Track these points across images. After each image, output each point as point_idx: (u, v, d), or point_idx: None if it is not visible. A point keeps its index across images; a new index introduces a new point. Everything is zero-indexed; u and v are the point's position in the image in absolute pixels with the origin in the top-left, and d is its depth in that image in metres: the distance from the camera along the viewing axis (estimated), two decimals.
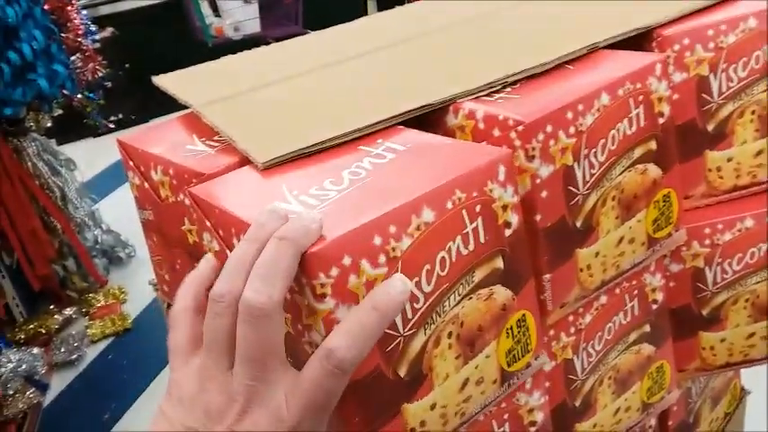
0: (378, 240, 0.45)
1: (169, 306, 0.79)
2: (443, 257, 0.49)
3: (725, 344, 0.77)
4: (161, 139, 0.68)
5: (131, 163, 0.69)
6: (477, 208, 0.50)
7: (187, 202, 0.62)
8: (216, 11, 3.49)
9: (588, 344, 0.67)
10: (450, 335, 0.50)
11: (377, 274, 0.46)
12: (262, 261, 0.43)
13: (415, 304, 0.48)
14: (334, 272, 0.44)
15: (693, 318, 0.76)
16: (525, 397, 0.60)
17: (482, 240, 0.51)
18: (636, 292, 0.70)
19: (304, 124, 0.63)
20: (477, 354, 0.53)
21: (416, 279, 0.47)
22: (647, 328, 0.72)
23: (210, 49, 3.57)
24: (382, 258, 0.46)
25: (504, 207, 0.52)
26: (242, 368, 0.43)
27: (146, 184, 0.67)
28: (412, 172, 0.51)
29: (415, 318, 0.48)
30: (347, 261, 0.44)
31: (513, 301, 0.54)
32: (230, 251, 0.52)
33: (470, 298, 0.51)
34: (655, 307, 0.72)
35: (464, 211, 0.49)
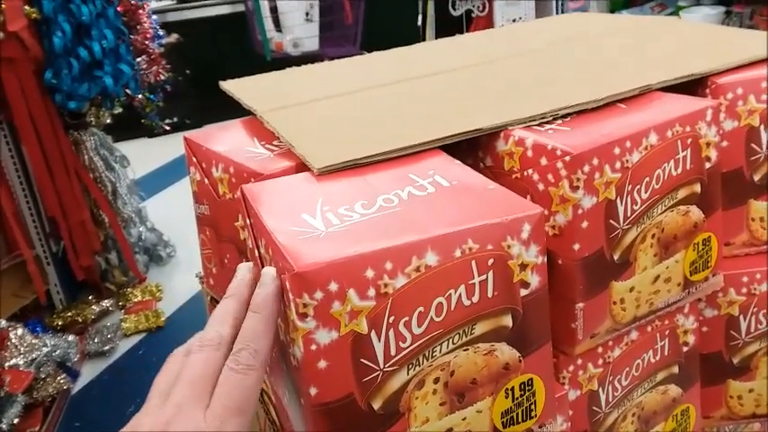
0: (370, 273, 0.46)
1: (212, 299, 0.83)
2: (441, 303, 0.48)
3: (752, 394, 0.77)
4: (224, 139, 0.72)
5: (194, 159, 0.73)
6: (490, 261, 0.49)
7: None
8: (278, 26, 3.59)
9: (615, 378, 0.68)
10: (436, 380, 0.50)
11: (363, 306, 0.46)
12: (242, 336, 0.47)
13: (401, 343, 0.48)
14: (318, 295, 0.45)
15: (723, 365, 0.76)
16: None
17: (490, 295, 0.50)
18: (668, 332, 0.70)
19: (360, 137, 0.66)
20: (467, 406, 0.52)
21: (406, 319, 0.47)
22: (676, 369, 0.72)
23: (268, 63, 3.66)
24: (372, 292, 0.46)
25: (524, 266, 0.51)
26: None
27: (206, 180, 0.71)
28: (437, 212, 0.51)
29: (399, 356, 0.48)
30: (333, 287, 0.45)
31: (520, 362, 0.53)
32: (258, 252, 0.55)
33: (466, 349, 0.50)
34: (685, 349, 0.72)
35: (473, 262, 0.49)
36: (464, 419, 0.52)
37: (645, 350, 0.69)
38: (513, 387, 0.53)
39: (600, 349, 0.66)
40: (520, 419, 0.54)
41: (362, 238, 0.47)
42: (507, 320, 0.51)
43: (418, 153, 0.61)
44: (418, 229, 0.48)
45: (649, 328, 0.69)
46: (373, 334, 0.47)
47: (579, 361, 0.65)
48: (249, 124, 0.76)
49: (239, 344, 0.46)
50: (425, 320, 0.48)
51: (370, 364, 0.47)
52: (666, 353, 0.71)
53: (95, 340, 2.42)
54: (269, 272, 0.48)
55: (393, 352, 0.48)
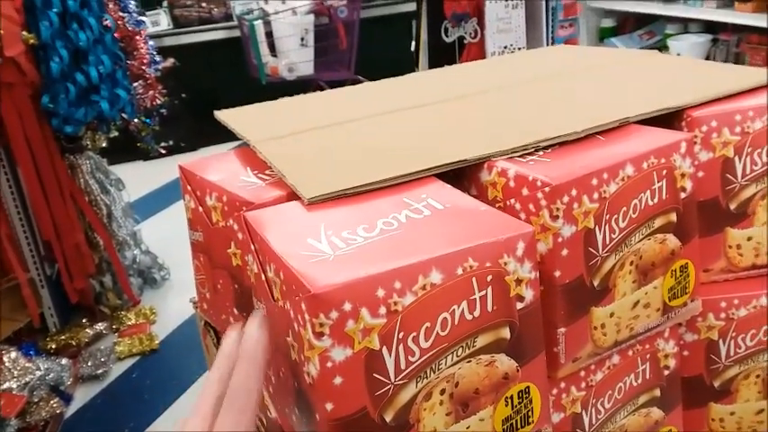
0: (381, 293, 0.49)
1: (206, 324, 0.85)
2: (445, 318, 0.52)
3: (734, 417, 0.79)
4: (218, 168, 0.75)
5: (189, 187, 0.75)
6: (489, 278, 0.53)
7: (236, 227, 0.68)
8: (273, 51, 3.64)
9: (598, 401, 0.70)
10: (443, 392, 0.53)
11: (375, 323, 0.49)
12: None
13: (410, 357, 0.51)
14: (334, 315, 0.48)
15: (705, 388, 0.78)
16: None
17: (489, 309, 0.54)
18: (648, 356, 0.72)
19: (349, 167, 0.68)
20: (471, 415, 0.55)
21: (414, 334, 0.51)
22: (658, 392, 0.74)
23: (264, 87, 3.71)
24: (383, 310, 0.49)
25: (519, 281, 0.55)
26: None
27: (200, 208, 0.73)
28: (436, 233, 0.55)
29: (408, 369, 0.51)
30: (347, 307, 0.48)
31: (518, 371, 0.56)
32: (265, 276, 0.58)
33: (469, 361, 0.54)
34: (666, 373, 0.74)
35: (474, 279, 0.52)
36: (468, 428, 0.55)
37: (627, 374, 0.71)
38: (512, 395, 0.56)
39: (582, 373, 0.68)
40: (519, 426, 0.57)
41: (371, 259, 0.51)
42: (505, 332, 0.55)
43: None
44: (421, 249, 0.51)
45: (630, 353, 0.71)
46: (384, 350, 0.50)
47: (562, 384, 0.67)
48: (242, 153, 0.79)
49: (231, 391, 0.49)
50: (432, 335, 0.51)
51: (382, 379, 0.50)
52: (648, 376, 0.73)
53: (89, 363, 2.42)
54: (253, 323, 0.52)
55: (403, 366, 0.51)
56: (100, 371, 2.41)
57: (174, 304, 2.79)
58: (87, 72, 2.21)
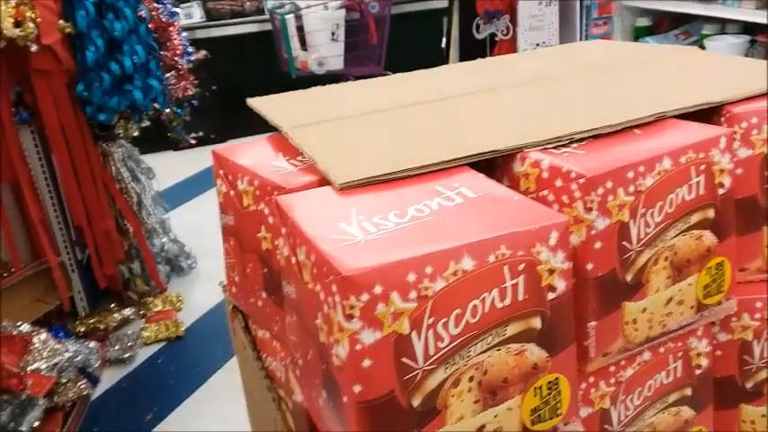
0: (412, 277, 0.49)
1: (234, 308, 0.85)
2: (476, 305, 0.52)
3: (765, 419, 0.77)
4: (250, 153, 0.75)
5: (221, 172, 0.75)
6: (521, 266, 0.53)
7: (267, 211, 0.68)
8: (304, 45, 3.65)
9: (627, 397, 0.69)
10: (471, 379, 0.53)
11: (405, 307, 0.50)
12: None
13: (439, 343, 0.51)
14: (365, 297, 0.48)
15: (736, 389, 0.77)
16: None
17: (520, 298, 0.54)
18: (680, 354, 0.71)
19: (381, 154, 0.68)
20: (499, 403, 0.55)
21: (444, 320, 0.51)
22: (689, 391, 0.73)
23: (293, 81, 3.72)
24: (413, 294, 0.50)
25: (551, 271, 0.55)
26: None
27: (231, 192, 0.74)
28: (469, 220, 0.55)
29: (437, 355, 0.51)
30: (378, 290, 0.49)
31: (548, 362, 0.56)
32: (295, 259, 0.58)
33: (499, 349, 0.54)
34: (698, 372, 0.73)
35: (506, 267, 0.52)
36: (496, 417, 0.55)
37: (657, 371, 0.70)
38: (541, 386, 0.56)
39: (612, 368, 0.67)
40: (547, 417, 0.57)
41: (402, 244, 0.51)
42: (536, 322, 0.55)
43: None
44: (453, 236, 0.52)
45: (662, 350, 0.70)
46: (414, 334, 0.50)
47: (591, 379, 0.67)
48: (275, 140, 0.79)
49: None
50: (462, 322, 0.51)
51: (411, 363, 0.50)
52: (679, 375, 0.72)
53: (116, 347, 2.45)
54: None
55: (432, 351, 0.51)
56: (126, 355, 2.44)
57: (199, 293, 2.82)
58: (121, 62, 2.24)
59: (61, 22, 2.13)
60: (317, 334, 0.55)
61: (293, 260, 0.58)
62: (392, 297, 0.49)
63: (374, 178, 0.62)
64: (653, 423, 0.72)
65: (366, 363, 0.50)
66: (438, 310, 0.50)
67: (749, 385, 0.77)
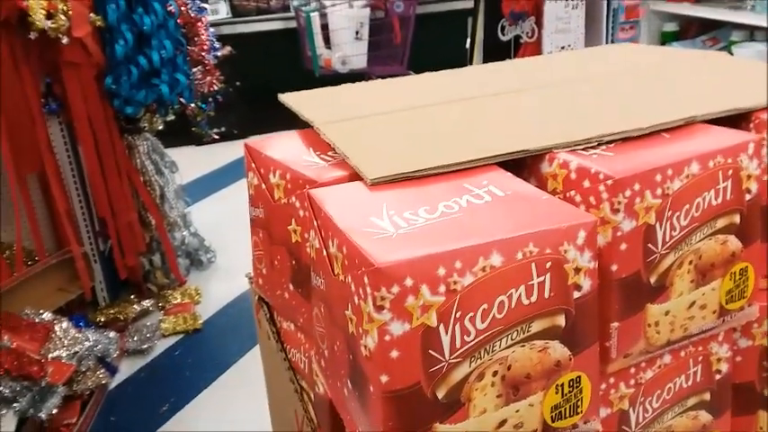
0: (442, 271, 0.50)
1: (260, 299, 0.87)
2: (502, 301, 0.53)
3: None
4: (282, 147, 0.77)
5: (253, 164, 0.77)
6: (548, 264, 0.54)
7: (298, 204, 0.70)
8: (327, 43, 3.68)
9: (646, 399, 0.70)
10: (495, 373, 0.54)
11: (434, 300, 0.51)
12: None
13: (465, 337, 0.52)
14: (395, 289, 0.50)
15: (755, 396, 0.77)
16: None
17: (546, 295, 0.55)
18: (701, 358, 0.72)
19: (411, 152, 0.69)
20: (521, 399, 0.56)
21: (471, 314, 0.52)
22: (708, 396, 0.74)
23: (316, 79, 3.75)
24: (442, 288, 0.51)
25: (577, 270, 0.56)
26: None
27: (263, 185, 0.75)
28: (498, 217, 0.56)
29: (463, 349, 0.53)
30: (408, 282, 0.50)
31: (570, 360, 0.57)
32: (326, 251, 0.59)
33: (523, 345, 0.55)
34: (718, 377, 0.74)
35: (533, 265, 0.53)
36: (517, 412, 0.56)
37: (677, 374, 0.71)
38: (562, 383, 0.57)
39: (632, 370, 0.68)
40: (567, 414, 0.58)
41: (433, 239, 0.52)
42: (561, 320, 0.56)
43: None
44: (483, 232, 0.53)
45: (683, 353, 0.70)
46: (441, 327, 0.51)
47: (611, 380, 0.67)
48: (305, 135, 0.81)
49: None
50: (488, 317, 0.52)
51: (437, 356, 0.52)
52: (699, 379, 0.72)
53: (135, 338, 2.48)
54: None
55: (458, 345, 0.52)
56: (145, 346, 2.47)
57: (217, 287, 2.85)
58: (150, 56, 2.27)
59: (92, 15, 2.17)
60: (346, 325, 0.56)
61: (324, 252, 0.59)
62: (422, 290, 0.50)
63: (405, 175, 0.63)
64: (671, 426, 0.73)
65: (394, 354, 0.51)
66: (466, 305, 0.51)
67: None
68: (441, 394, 0.53)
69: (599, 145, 0.67)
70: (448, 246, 0.51)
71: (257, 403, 2.08)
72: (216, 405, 2.15)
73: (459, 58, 2.91)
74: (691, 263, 0.65)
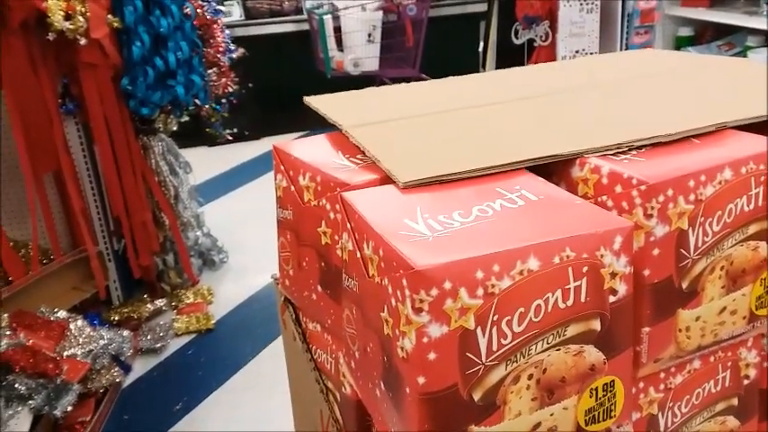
0: (480, 274, 0.51)
1: (286, 300, 0.87)
2: (539, 305, 0.53)
3: None
4: (311, 150, 0.77)
5: (282, 167, 0.78)
6: (584, 269, 0.54)
7: (328, 206, 0.70)
8: (340, 45, 3.69)
9: (675, 404, 0.70)
10: (530, 377, 0.55)
11: (472, 303, 0.51)
12: None
13: (502, 340, 0.53)
14: (434, 292, 0.50)
15: None
16: None
17: (582, 300, 0.55)
18: (730, 363, 0.72)
19: (442, 155, 0.70)
20: (555, 402, 0.56)
21: (508, 317, 0.52)
22: (735, 401, 0.74)
23: (328, 81, 3.76)
24: (480, 291, 0.51)
25: (613, 274, 0.56)
26: None
27: (292, 188, 0.76)
28: (533, 221, 0.56)
29: (500, 352, 0.53)
30: (447, 285, 0.50)
31: (605, 364, 0.57)
32: (360, 253, 0.60)
33: (558, 349, 0.55)
34: (746, 382, 0.74)
35: (570, 269, 0.54)
36: (552, 415, 0.56)
37: (706, 380, 0.71)
38: (597, 387, 0.57)
39: (662, 375, 0.68)
40: (601, 418, 0.58)
41: (470, 242, 0.53)
42: (596, 324, 0.56)
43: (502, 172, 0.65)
44: (520, 236, 0.53)
45: (712, 359, 0.71)
46: (479, 330, 0.51)
47: (641, 384, 0.67)
48: (333, 138, 0.81)
49: None
50: (525, 320, 0.53)
51: (474, 358, 0.52)
52: (727, 384, 0.72)
53: (148, 337, 2.50)
54: None
55: (495, 347, 0.52)
56: (158, 345, 2.48)
57: (230, 287, 2.86)
58: (166, 57, 2.28)
59: (109, 16, 2.18)
60: (381, 327, 0.57)
61: (358, 254, 0.60)
62: (460, 293, 0.50)
63: (437, 178, 0.64)
64: (699, 431, 0.73)
65: (431, 356, 0.51)
66: (503, 308, 0.52)
67: None
68: (477, 396, 0.53)
69: (629, 150, 0.68)
70: (486, 249, 0.51)
71: (269, 403, 2.10)
72: (228, 405, 2.16)
73: (472, 62, 2.91)
74: (722, 268, 0.66)
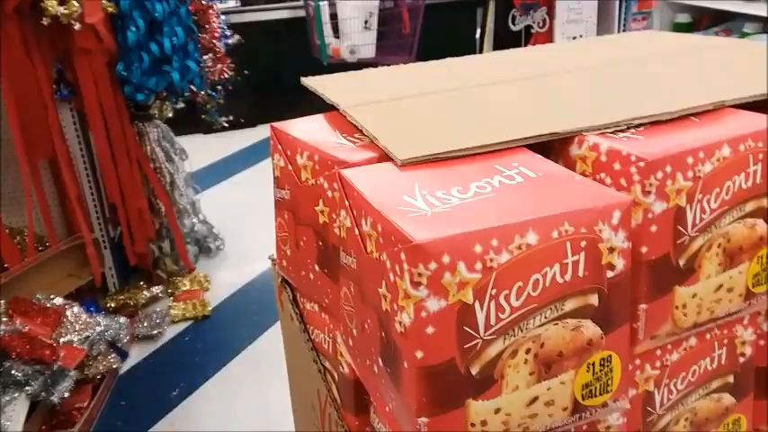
0: (478, 249, 0.51)
1: (283, 281, 0.87)
2: (537, 279, 0.53)
3: None
4: (309, 129, 0.77)
5: (279, 146, 0.77)
6: (583, 243, 0.54)
7: (326, 185, 0.70)
8: (336, 32, 3.67)
9: (671, 381, 0.70)
10: (528, 351, 0.55)
11: (470, 277, 0.51)
12: None
13: (500, 314, 0.53)
14: (433, 266, 0.50)
15: None
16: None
17: (580, 274, 0.55)
18: (726, 341, 0.72)
19: (440, 133, 0.70)
20: (552, 377, 0.57)
21: (506, 292, 0.53)
22: (731, 379, 0.74)
23: (324, 68, 3.74)
24: (479, 265, 0.51)
25: (611, 249, 0.56)
26: None
27: (289, 167, 0.76)
28: (532, 197, 0.56)
29: (498, 326, 0.53)
30: (446, 259, 0.50)
31: (602, 339, 0.58)
32: (359, 229, 0.60)
33: (556, 324, 0.55)
34: (742, 360, 0.74)
35: (568, 243, 0.54)
36: (549, 389, 0.56)
37: (702, 357, 0.71)
38: (594, 362, 0.57)
39: (658, 351, 0.68)
40: (598, 393, 0.58)
41: (469, 217, 0.52)
42: (594, 299, 0.56)
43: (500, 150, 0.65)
44: (518, 211, 0.53)
45: (708, 336, 0.71)
46: (477, 304, 0.52)
47: (638, 361, 0.68)
48: (331, 118, 0.81)
49: None
50: (523, 294, 0.53)
51: (472, 332, 0.52)
52: (723, 362, 0.73)
53: (144, 324, 2.50)
54: None
55: (493, 322, 0.52)
56: (154, 332, 2.48)
57: (226, 274, 2.86)
58: (161, 43, 2.27)
59: (104, 1, 2.17)
60: (379, 302, 0.57)
61: (356, 231, 0.60)
62: (459, 267, 0.50)
63: (435, 155, 0.64)
64: (694, 408, 0.73)
65: (429, 330, 0.51)
66: (501, 282, 0.52)
67: None
68: (474, 370, 0.53)
69: (628, 128, 0.68)
70: (484, 224, 0.51)
71: (266, 389, 2.10)
72: (225, 390, 2.16)
73: (469, 49, 2.90)
74: (719, 246, 0.66)
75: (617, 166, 0.63)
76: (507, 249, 0.52)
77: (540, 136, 0.67)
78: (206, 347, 2.44)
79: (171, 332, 2.52)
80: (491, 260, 0.51)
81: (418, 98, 0.81)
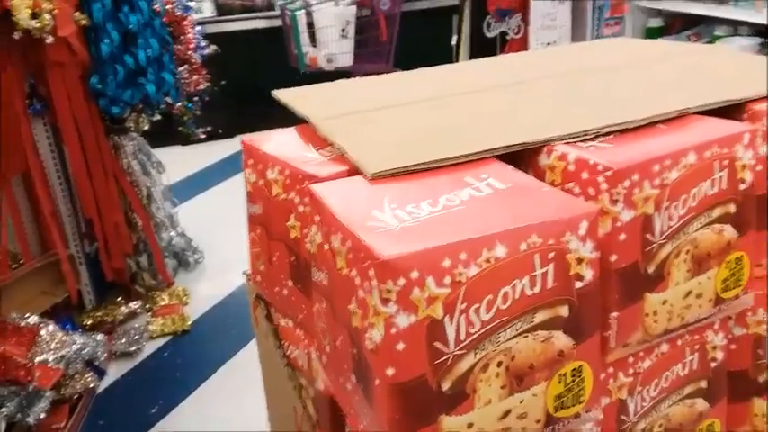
0: (447, 263, 0.51)
1: (258, 297, 0.87)
2: (506, 292, 0.53)
3: None
4: (280, 144, 0.77)
5: (250, 161, 0.77)
6: (551, 255, 0.55)
7: (297, 200, 0.70)
8: (313, 41, 3.67)
9: (644, 388, 0.70)
10: (499, 364, 0.55)
11: (439, 292, 0.51)
12: None
13: (470, 328, 0.53)
14: (401, 281, 0.50)
15: (749, 383, 0.78)
16: None
17: (549, 286, 0.55)
18: (697, 347, 0.73)
19: (410, 146, 0.70)
20: (524, 389, 0.57)
21: (476, 305, 0.53)
22: (704, 384, 0.74)
23: (302, 77, 3.74)
24: (447, 280, 0.51)
25: (579, 260, 0.56)
26: None
27: (260, 182, 0.75)
28: (500, 210, 0.56)
29: (468, 340, 0.53)
30: (414, 275, 0.50)
31: (573, 350, 0.58)
32: (329, 245, 0.59)
33: (527, 336, 0.55)
34: (714, 365, 0.75)
35: (536, 256, 0.54)
36: (521, 402, 0.56)
37: (674, 363, 0.72)
38: (565, 373, 0.57)
39: (631, 359, 0.69)
40: (570, 404, 0.58)
41: (437, 231, 0.52)
42: (564, 310, 0.56)
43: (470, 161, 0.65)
44: (486, 224, 0.53)
45: (679, 342, 0.71)
46: (447, 319, 0.51)
47: (610, 369, 0.68)
48: (302, 131, 0.81)
49: None
50: (493, 308, 0.53)
51: (442, 348, 0.52)
52: (695, 367, 0.73)
53: (123, 341, 2.46)
54: None
55: (463, 336, 0.52)
56: (133, 348, 2.44)
57: (205, 287, 2.83)
58: (136, 54, 2.25)
59: (77, 14, 2.15)
60: (350, 319, 0.56)
61: (326, 247, 0.59)
62: (427, 282, 0.50)
63: (405, 168, 0.63)
64: (668, 415, 0.74)
65: (400, 346, 0.51)
66: (470, 296, 0.52)
67: (761, 379, 0.78)
68: (446, 386, 0.53)
69: (596, 137, 0.68)
70: (452, 238, 0.51)
71: (247, 403, 2.08)
72: (204, 407, 2.14)
73: (446, 56, 2.91)
74: (687, 252, 0.66)
75: (585, 175, 0.63)
76: (476, 263, 0.51)
77: (510, 146, 0.67)
78: (185, 363, 2.41)
79: (150, 348, 2.49)
80: (460, 274, 0.51)
81: (389, 110, 0.81)
